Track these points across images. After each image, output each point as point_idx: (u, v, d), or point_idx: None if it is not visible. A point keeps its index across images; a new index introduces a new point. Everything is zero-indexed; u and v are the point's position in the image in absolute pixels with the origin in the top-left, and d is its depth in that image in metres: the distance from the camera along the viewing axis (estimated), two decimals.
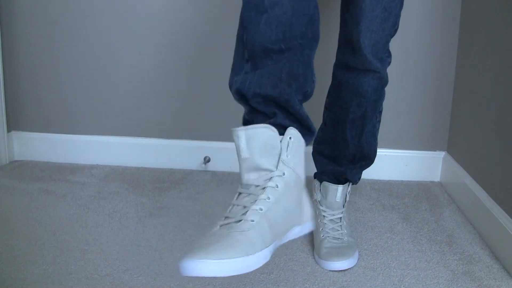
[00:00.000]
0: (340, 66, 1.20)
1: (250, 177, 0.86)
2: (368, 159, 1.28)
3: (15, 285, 1.09)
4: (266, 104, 0.88)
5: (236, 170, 1.79)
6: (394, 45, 1.67)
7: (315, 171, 1.37)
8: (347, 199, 1.34)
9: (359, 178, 1.32)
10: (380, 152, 1.78)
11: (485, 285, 1.16)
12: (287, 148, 0.87)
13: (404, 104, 1.77)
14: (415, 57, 1.73)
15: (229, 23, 1.68)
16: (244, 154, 0.85)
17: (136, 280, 1.14)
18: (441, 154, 1.81)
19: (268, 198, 0.84)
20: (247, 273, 1.18)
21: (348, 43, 1.15)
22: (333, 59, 1.24)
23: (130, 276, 1.15)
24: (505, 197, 1.30)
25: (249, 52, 0.87)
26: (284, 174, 0.87)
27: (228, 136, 1.77)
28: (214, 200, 1.58)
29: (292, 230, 0.91)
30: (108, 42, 1.77)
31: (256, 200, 0.84)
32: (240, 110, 1.06)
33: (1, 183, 1.65)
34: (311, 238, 1.34)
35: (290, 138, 0.88)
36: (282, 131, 0.88)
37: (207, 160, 1.82)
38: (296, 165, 0.89)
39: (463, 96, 1.66)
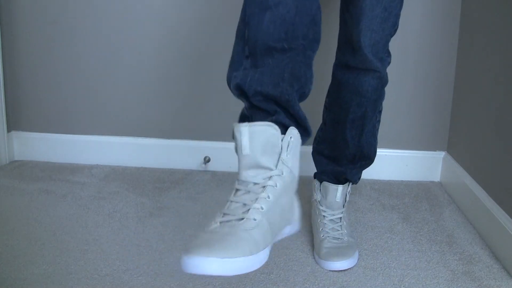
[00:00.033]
0: (340, 66, 1.20)
1: (248, 174, 0.85)
2: (368, 159, 1.28)
3: (15, 285, 1.09)
4: (267, 102, 0.88)
5: (236, 170, 1.79)
6: (394, 45, 1.68)
7: (315, 171, 1.37)
8: (347, 199, 1.34)
9: (359, 178, 1.32)
10: (380, 152, 1.78)
11: (485, 285, 1.16)
12: (288, 147, 0.87)
13: (404, 104, 1.77)
14: (415, 57, 1.73)
15: (229, 23, 1.68)
16: (246, 150, 0.85)
17: (136, 280, 1.14)
18: (441, 154, 1.81)
19: (268, 197, 0.84)
20: (247, 273, 1.18)
21: (348, 43, 1.15)
22: (332, 59, 1.24)
23: (130, 276, 1.15)
24: (505, 197, 1.30)
25: (250, 48, 0.87)
26: (283, 173, 0.86)
27: (228, 136, 1.77)
28: (214, 200, 1.58)
29: (284, 229, 0.91)
30: (108, 42, 1.77)
31: (257, 199, 0.83)
32: (240, 109, 1.06)
33: (1, 183, 1.65)
34: (311, 238, 1.34)
35: (290, 138, 0.87)
36: (282, 130, 0.87)
37: (207, 160, 1.82)
38: (293, 165, 0.89)
39: (463, 96, 1.66)
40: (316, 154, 1.35)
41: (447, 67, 1.74)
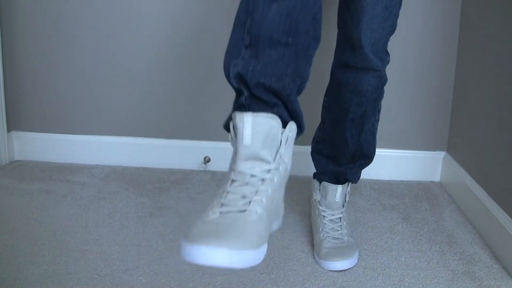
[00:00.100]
0: (340, 66, 1.20)
1: (246, 166, 0.83)
2: (367, 157, 1.28)
3: (15, 285, 1.09)
4: (267, 94, 0.86)
5: None
6: (394, 45, 1.68)
7: (314, 171, 1.37)
8: (347, 199, 1.34)
9: (359, 177, 1.32)
10: (380, 152, 1.78)
11: (485, 285, 1.16)
12: (286, 142, 0.86)
13: (404, 104, 1.77)
14: (415, 57, 1.73)
15: (230, 23, 1.68)
16: (247, 141, 0.83)
17: (136, 280, 1.14)
18: (441, 154, 1.81)
19: (267, 190, 0.83)
20: (247, 273, 1.18)
21: (348, 42, 1.15)
22: (330, 59, 1.24)
23: (130, 276, 1.15)
24: (505, 197, 1.30)
25: (252, 38, 0.85)
26: (279, 168, 0.85)
27: (228, 136, 1.77)
28: None
29: (273, 224, 0.90)
30: (108, 42, 1.77)
31: (257, 191, 0.81)
32: None
33: (1, 183, 1.65)
34: (311, 238, 1.34)
35: (290, 133, 0.87)
36: (282, 124, 0.86)
37: (207, 160, 1.82)
38: (288, 161, 0.88)
39: (463, 96, 1.66)
40: (315, 154, 1.34)
41: (447, 67, 1.74)
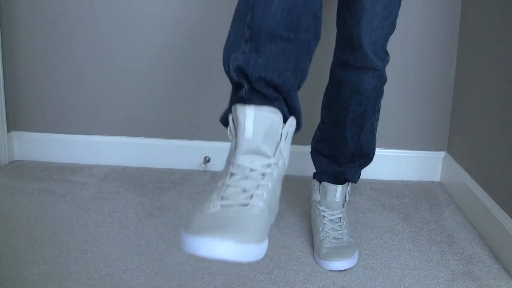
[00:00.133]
0: (339, 65, 1.20)
1: (245, 159, 0.81)
2: (367, 157, 1.28)
3: (15, 285, 1.09)
4: (268, 88, 0.85)
5: None
6: (394, 45, 1.68)
7: (314, 171, 1.37)
8: (347, 199, 1.34)
9: (359, 177, 1.32)
10: (380, 152, 1.78)
11: (485, 285, 1.16)
12: (286, 137, 0.85)
13: (404, 104, 1.77)
14: (415, 57, 1.73)
15: (229, 23, 1.68)
16: (248, 134, 0.81)
17: (136, 280, 1.14)
18: (441, 154, 1.81)
19: (268, 185, 0.82)
20: (247, 273, 1.18)
21: (347, 42, 1.15)
22: (329, 58, 1.24)
23: (130, 276, 1.15)
24: (505, 197, 1.30)
25: (253, 32, 0.84)
26: (279, 163, 0.85)
27: (228, 136, 1.77)
28: None
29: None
30: (108, 42, 1.77)
31: (258, 186, 0.80)
32: None
33: (1, 183, 1.65)
34: (311, 238, 1.34)
35: (290, 128, 0.86)
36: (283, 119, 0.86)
37: (207, 160, 1.82)
38: (287, 156, 0.87)
39: (463, 96, 1.66)
40: (315, 153, 1.34)
41: (447, 67, 1.74)
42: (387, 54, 1.18)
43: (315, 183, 1.36)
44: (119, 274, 1.15)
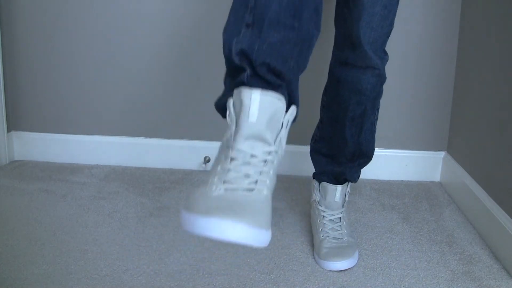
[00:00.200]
0: (339, 64, 1.19)
1: (246, 144, 0.79)
2: (366, 157, 1.27)
3: (15, 285, 1.09)
4: (271, 75, 0.83)
5: None
6: (395, 45, 1.68)
7: (314, 171, 1.37)
8: (347, 199, 1.34)
9: (358, 177, 1.32)
10: (380, 152, 1.78)
11: (485, 285, 1.16)
12: (286, 126, 0.84)
13: (404, 104, 1.77)
14: (415, 57, 1.73)
15: None
16: (253, 118, 0.79)
17: (136, 280, 1.14)
18: (441, 154, 1.81)
19: (270, 172, 0.80)
20: (247, 273, 1.18)
21: (347, 40, 1.15)
22: (328, 57, 1.24)
23: (130, 276, 1.15)
24: (505, 197, 1.30)
25: (256, 18, 0.82)
26: (279, 151, 0.83)
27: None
28: None
29: None
30: (108, 42, 1.77)
31: (261, 172, 0.79)
32: None
33: (1, 183, 1.65)
34: (311, 238, 1.34)
35: (290, 117, 0.85)
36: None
37: (207, 160, 1.82)
38: (284, 146, 0.86)
39: (463, 96, 1.66)
40: (314, 153, 1.34)
41: (447, 67, 1.74)
42: (385, 53, 1.18)
43: (315, 183, 1.36)
44: (119, 274, 1.15)
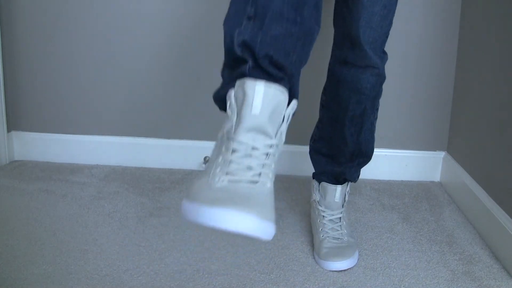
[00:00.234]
0: (338, 63, 1.19)
1: (248, 136, 0.78)
2: (366, 156, 1.27)
3: (15, 285, 1.09)
4: (273, 67, 0.83)
5: None
6: (394, 45, 1.68)
7: (313, 171, 1.37)
8: (346, 199, 1.34)
9: (358, 176, 1.32)
10: (380, 152, 1.78)
11: (485, 285, 1.16)
12: (288, 120, 0.83)
13: (404, 104, 1.77)
14: (415, 57, 1.73)
15: None
16: (256, 110, 0.78)
17: (136, 280, 1.14)
18: (441, 154, 1.81)
19: (272, 165, 0.79)
20: (247, 273, 1.18)
21: (346, 39, 1.14)
22: (326, 56, 1.24)
23: (130, 276, 1.15)
24: (505, 197, 1.30)
25: (259, 11, 0.82)
26: (279, 145, 0.82)
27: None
28: None
29: None
30: (108, 42, 1.77)
31: (263, 165, 0.78)
32: None
33: (1, 183, 1.65)
34: (311, 238, 1.34)
35: (291, 111, 0.84)
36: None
37: (207, 160, 1.82)
38: (284, 140, 0.85)
39: (463, 96, 1.66)
40: (313, 153, 1.34)
41: (447, 67, 1.74)
42: (385, 53, 1.18)
43: (315, 183, 1.36)
44: (119, 274, 1.15)
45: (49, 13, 1.76)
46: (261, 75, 0.81)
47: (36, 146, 1.87)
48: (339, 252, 1.22)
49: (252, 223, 0.68)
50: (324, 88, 1.27)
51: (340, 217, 1.31)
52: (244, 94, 0.79)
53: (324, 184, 1.32)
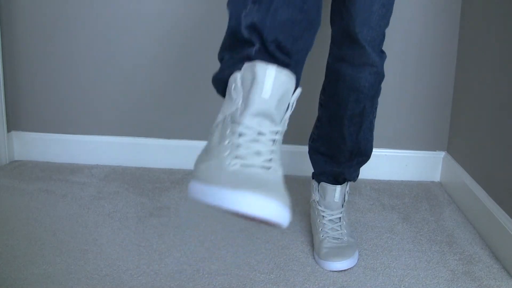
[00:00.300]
0: (336, 61, 1.19)
1: (254, 121, 0.76)
2: (365, 155, 1.27)
3: (15, 285, 1.09)
4: (280, 52, 0.81)
5: None
6: (395, 45, 1.68)
7: (313, 171, 1.37)
8: (346, 198, 1.34)
9: (357, 176, 1.32)
10: (380, 152, 1.78)
11: (485, 285, 1.16)
12: (292, 108, 0.82)
13: (404, 104, 1.77)
14: (415, 57, 1.73)
15: None
16: (267, 94, 0.76)
17: (136, 280, 1.14)
18: (441, 154, 1.81)
19: (278, 152, 0.78)
20: (247, 273, 1.18)
21: (345, 37, 1.14)
22: (325, 55, 1.24)
23: (130, 276, 1.15)
24: (505, 197, 1.30)
25: None
26: (282, 132, 0.81)
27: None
28: None
29: None
30: (108, 42, 1.77)
31: (272, 151, 0.76)
32: None
33: (1, 183, 1.65)
34: (311, 238, 1.34)
35: (295, 99, 0.83)
36: None
37: None
38: (285, 128, 0.84)
39: (463, 96, 1.66)
40: (312, 152, 1.33)
41: (447, 67, 1.74)
42: (383, 52, 1.18)
43: (314, 183, 1.36)
44: (119, 274, 1.15)
45: (49, 13, 1.76)
46: (267, 59, 0.79)
47: (36, 146, 1.87)
48: (339, 252, 1.22)
49: (275, 208, 0.66)
50: (323, 87, 1.27)
51: (340, 217, 1.31)
52: (254, 77, 0.77)
53: (323, 184, 1.32)
